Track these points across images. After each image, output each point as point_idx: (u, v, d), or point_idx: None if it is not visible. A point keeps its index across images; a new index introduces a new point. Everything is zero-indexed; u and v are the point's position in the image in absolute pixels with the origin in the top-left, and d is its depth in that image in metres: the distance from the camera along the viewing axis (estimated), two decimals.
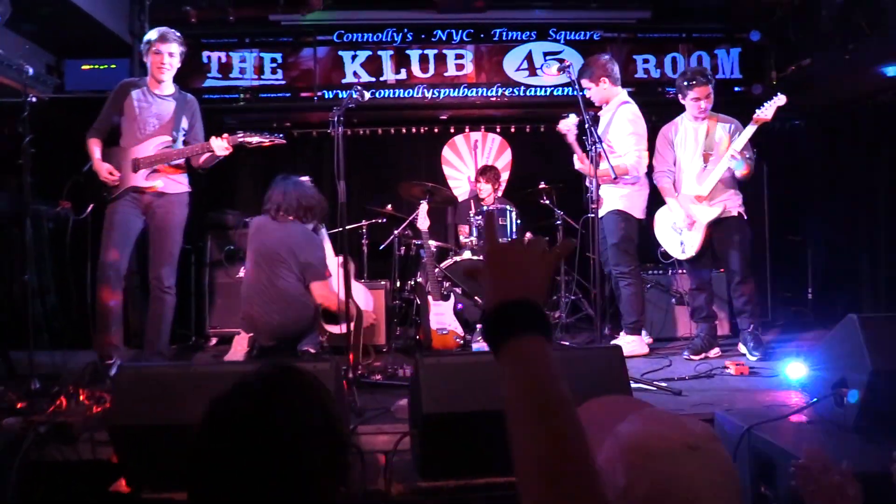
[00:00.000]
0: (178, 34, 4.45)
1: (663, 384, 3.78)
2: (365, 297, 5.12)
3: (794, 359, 3.43)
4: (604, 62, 5.06)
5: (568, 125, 4.83)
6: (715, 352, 4.76)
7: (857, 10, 5.34)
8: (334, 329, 4.87)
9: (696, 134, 4.77)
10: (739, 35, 6.66)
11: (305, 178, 4.78)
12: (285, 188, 4.60)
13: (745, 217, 4.74)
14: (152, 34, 4.38)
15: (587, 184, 4.72)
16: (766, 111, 4.50)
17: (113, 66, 5.75)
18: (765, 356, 4.53)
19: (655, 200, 5.07)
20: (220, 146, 4.26)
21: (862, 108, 6.20)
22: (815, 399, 2.91)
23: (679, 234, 4.82)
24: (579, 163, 4.97)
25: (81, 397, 3.23)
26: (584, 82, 5.02)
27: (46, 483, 2.96)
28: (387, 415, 3.28)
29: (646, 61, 6.68)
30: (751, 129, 4.54)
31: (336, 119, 3.86)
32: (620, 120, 4.91)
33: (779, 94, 4.53)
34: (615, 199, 4.92)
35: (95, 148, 4.34)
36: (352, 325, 3.84)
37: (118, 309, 4.26)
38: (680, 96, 4.82)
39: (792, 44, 6.28)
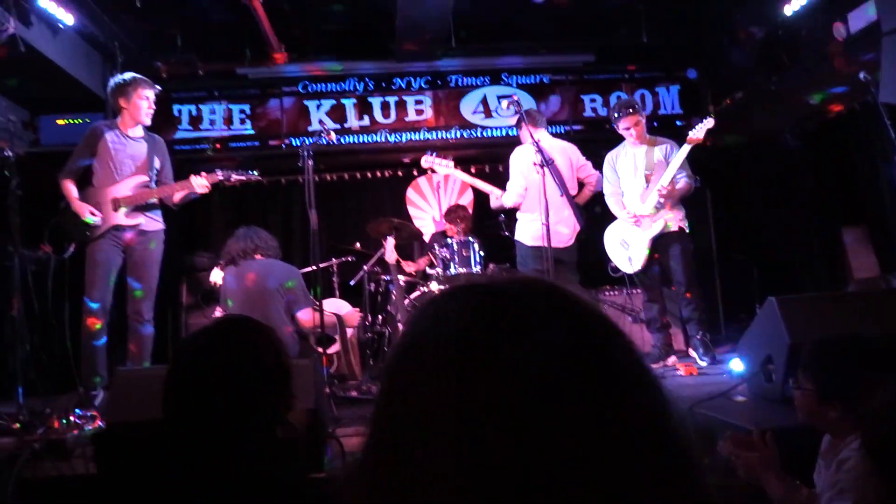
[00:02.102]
0: None
1: None
2: (340, 306, 5.36)
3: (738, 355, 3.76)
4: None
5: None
6: (672, 360, 5.07)
7: (776, 44, 5.87)
8: (333, 349, 5.07)
9: (636, 158, 5.17)
10: (677, 73, 7.20)
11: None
12: (245, 236, 4.75)
13: (687, 231, 5.11)
14: (134, 76, 4.59)
15: None
16: (698, 132, 4.94)
17: (87, 120, 5.98)
18: (713, 361, 4.85)
19: (602, 220, 5.45)
20: (200, 184, 4.52)
21: (792, 134, 6.71)
22: (743, 379, 3.22)
23: (626, 249, 5.18)
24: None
25: (73, 417, 3.40)
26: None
27: (42, 499, 3.11)
28: (363, 420, 3.50)
29: (593, 100, 7.17)
30: (685, 149, 4.96)
31: (306, 153, 4.16)
32: None
33: (708, 117, 4.97)
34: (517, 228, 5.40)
35: (72, 187, 4.49)
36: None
37: (102, 344, 4.43)
38: (616, 127, 5.24)
39: (724, 78, 6.81)
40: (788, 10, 5.74)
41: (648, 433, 0.60)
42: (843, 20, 5.24)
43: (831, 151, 6.52)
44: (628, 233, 5.15)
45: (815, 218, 6.54)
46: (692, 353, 5.03)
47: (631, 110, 5.09)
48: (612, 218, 5.34)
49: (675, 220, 5.05)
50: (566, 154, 5.27)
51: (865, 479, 1.73)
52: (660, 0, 5.68)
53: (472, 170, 7.59)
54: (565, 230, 5.09)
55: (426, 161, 5.59)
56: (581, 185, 5.39)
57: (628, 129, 5.09)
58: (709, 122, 4.94)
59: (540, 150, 4.61)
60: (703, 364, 4.84)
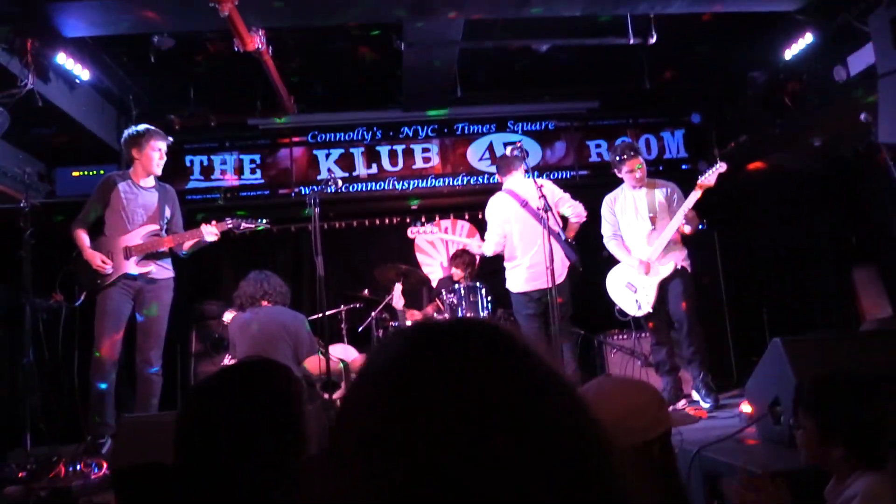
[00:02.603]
0: None
1: None
2: (348, 352, 5.37)
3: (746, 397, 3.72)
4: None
5: None
6: (682, 403, 5.00)
7: (778, 88, 5.94)
8: (338, 394, 5.06)
9: (636, 201, 5.16)
10: (682, 118, 7.29)
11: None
12: (256, 280, 4.86)
13: (689, 270, 5.09)
14: (147, 128, 4.72)
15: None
16: (709, 178, 4.93)
17: (102, 171, 6.10)
18: (716, 403, 4.78)
19: (610, 263, 5.44)
20: (210, 232, 4.60)
21: (798, 176, 6.74)
22: (751, 420, 3.19)
23: (634, 293, 5.13)
24: None
25: (80, 466, 3.41)
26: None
27: None
28: None
29: (598, 146, 7.25)
30: (695, 195, 4.92)
31: (313, 200, 4.23)
32: None
33: (719, 161, 4.98)
34: None
35: (84, 236, 4.57)
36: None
37: (111, 391, 4.45)
38: (616, 171, 5.26)
39: (728, 122, 6.88)
40: (789, 54, 5.83)
41: (567, 473, 0.63)
42: (843, 63, 5.32)
43: (840, 192, 6.54)
44: (635, 276, 5.12)
45: (826, 258, 6.52)
46: (695, 395, 4.96)
47: (632, 152, 5.12)
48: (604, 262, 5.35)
49: (679, 259, 5.04)
50: (542, 192, 5.21)
51: None
52: (662, 47, 5.76)
53: (479, 216, 7.68)
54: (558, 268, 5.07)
55: (412, 233, 5.64)
56: (564, 219, 5.36)
57: (631, 171, 5.10)
58: (721, 167, 4.92)
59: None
60: (706, 406, 4.78)
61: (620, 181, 5.34)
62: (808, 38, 5.60)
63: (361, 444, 0.65)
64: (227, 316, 5.33)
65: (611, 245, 5.29)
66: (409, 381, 0.67)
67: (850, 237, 6.46)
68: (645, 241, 5.06)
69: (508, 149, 5.15)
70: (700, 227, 5.05)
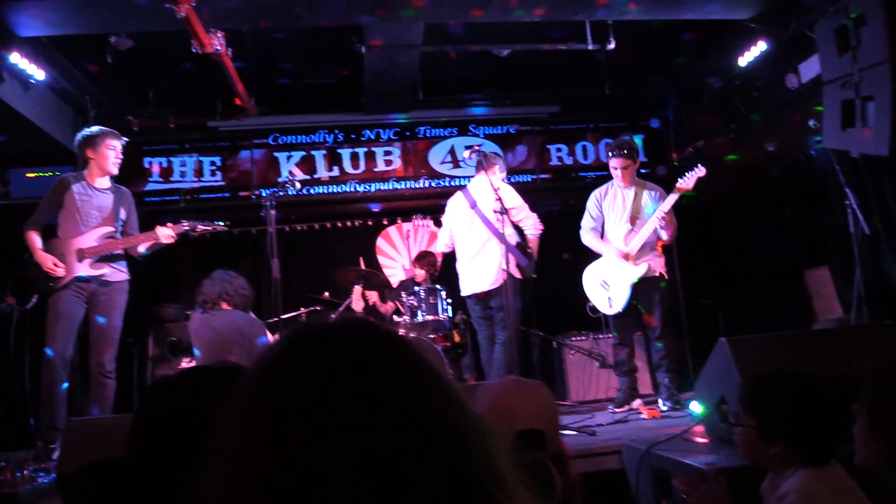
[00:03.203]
0: None
1: (577, 427, 4.11)
2: None
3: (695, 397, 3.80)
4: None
5: None
6: (637, 403, 5.06)
7: (733, 94, 6.07)
8: None
9: (625, 199, 5.17)
10: (641, 123, 7.40)
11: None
12: (220, 280, 4.77)
13: (667, 277, 5.15)
14: (99, 129, 4.66)
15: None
16: (688, 181, 4.97)
17: (58, 172, 5.97)
18: (674, 405, 4.85)
19: (574, 265, 5.51)
20: (166, 234, 4.55)
21: (754, 180, 6.89)
22: (697, 419, 3.26)
23: (607, 290, 5.13)
24: None
25: (27, 471, 3.35)
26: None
27: None
28: None
29: (559, 150, 7.32)
30: (673, 197, 4.96)
31: (269, 203, 4.22)
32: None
33: (699, 165, 4.99)
34: None
35: (36, 238, 4.48)
36: None
37: (63, 395, 4.37)
38: (607, 163, 5.28)
39: (686, 128, 7.01)
40: (743, 62, 5.96)
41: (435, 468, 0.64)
42: (795, 71, 5.45)
43: (793, 196, 6.69)
44: (610, 273, 5.10)
45: (779, 261, 6.67)
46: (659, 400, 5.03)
47: (624, 152, 5.10)
48: (584, 261, 5.36)
49: (657, 265, 5.08)
50: (497, 195, 5.02)
51: None
52: (620, 53, 5.85)
53: (441, 218, 7.71)
54: (490, 271, 5.11)
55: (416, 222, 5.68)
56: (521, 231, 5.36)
57: (616, 168, 5.13)
58: (700, 171, 4.95)
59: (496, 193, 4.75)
60: (664, 408, 4.85)
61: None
62: (761, 46, 5.73)
63: (233, 458, 0.65)
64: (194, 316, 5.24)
65: (587, 238, 5.27)
66: (281, 383, 0.67)
67: (802, 240, 6.61)
68: (622, 240, 5.08)
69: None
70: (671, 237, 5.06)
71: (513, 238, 5.13)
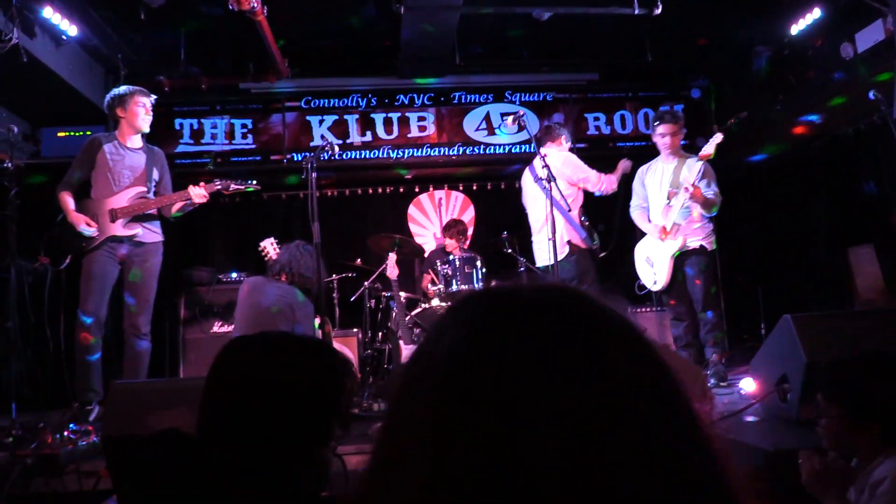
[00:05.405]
0: None
1: None
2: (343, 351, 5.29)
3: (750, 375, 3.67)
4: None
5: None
6: None
7: (782, 64, 5.84)
8: None
9: (664, 173, 5.09)
10: (682, 92, 7.18)
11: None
12: (290, 253, 4.64)
13: (710, 249, 5.01)
14: (128, 88, 4.58)
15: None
16: (708, 147, 4.91)
17: (88, 132, 5.91)
18: (719, 381, 4.74)
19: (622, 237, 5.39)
20: (198, 194, 4.47)
21: (798, 153, 6.68)
22: (759, 398, 3.14)
23: (651, 267, 5.12)
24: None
25: (66, 432, 3.31)
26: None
27: None
28: (365, 437, 3.42)
29: (596, 119, 7.13)
30: (698, 165, 4.89)
31: (310, 165, 4.11)
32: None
33: (717, 132, 4.92)
34: None
35: (69, 199, 4.43)
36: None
37: (98, 357, 4.34)
38: (651, 133, 5.24)
39: (729, 98, 6.79)
40: (795, 30, 5.73)
41: (664, 453, 0.54)
42: (851, 40, 5.23)
43: (837, 171, 6.48)
44: (653, 250, 5.09)
45: (822, 238, 6.48)
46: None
47: (670, 117, 5.09)
48: (631, 235, 5.39)
49: (697, 238, 4.97)
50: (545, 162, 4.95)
51: None
52: (665, 20, 5.63)
53: (474, 187, 7.59)
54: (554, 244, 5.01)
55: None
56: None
57: (663, 136, 5.08)
58: (717, 138, 4.91)
59: (547, 166, 4.61)
60: (710, 385, 4.75)
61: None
62: (815, 14, 5.49)
63: (429, 446, 0.54)
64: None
65: (634, 215, 5.31)
66: (504, 352, 0.55)
67: (846, 216, 6.42)
68: (660, 215, 5.02)
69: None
70: (715, 194, 4.93)
71: (574, 210, 5.10)
